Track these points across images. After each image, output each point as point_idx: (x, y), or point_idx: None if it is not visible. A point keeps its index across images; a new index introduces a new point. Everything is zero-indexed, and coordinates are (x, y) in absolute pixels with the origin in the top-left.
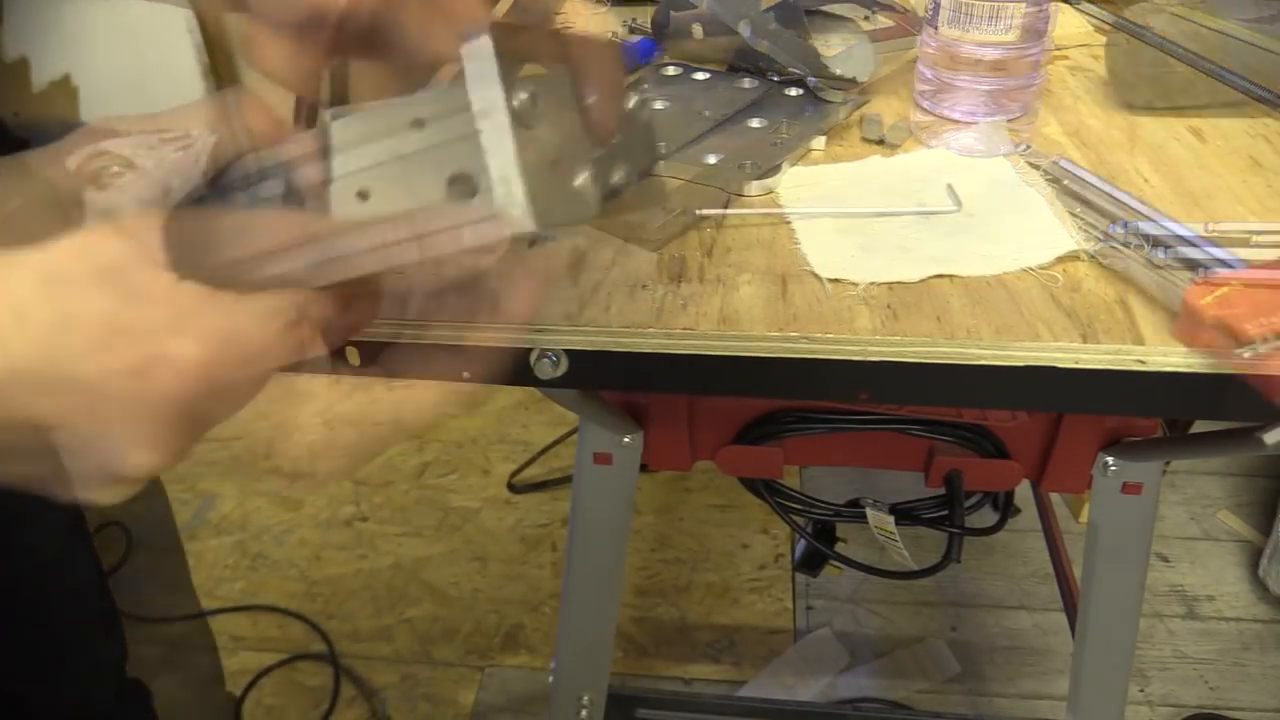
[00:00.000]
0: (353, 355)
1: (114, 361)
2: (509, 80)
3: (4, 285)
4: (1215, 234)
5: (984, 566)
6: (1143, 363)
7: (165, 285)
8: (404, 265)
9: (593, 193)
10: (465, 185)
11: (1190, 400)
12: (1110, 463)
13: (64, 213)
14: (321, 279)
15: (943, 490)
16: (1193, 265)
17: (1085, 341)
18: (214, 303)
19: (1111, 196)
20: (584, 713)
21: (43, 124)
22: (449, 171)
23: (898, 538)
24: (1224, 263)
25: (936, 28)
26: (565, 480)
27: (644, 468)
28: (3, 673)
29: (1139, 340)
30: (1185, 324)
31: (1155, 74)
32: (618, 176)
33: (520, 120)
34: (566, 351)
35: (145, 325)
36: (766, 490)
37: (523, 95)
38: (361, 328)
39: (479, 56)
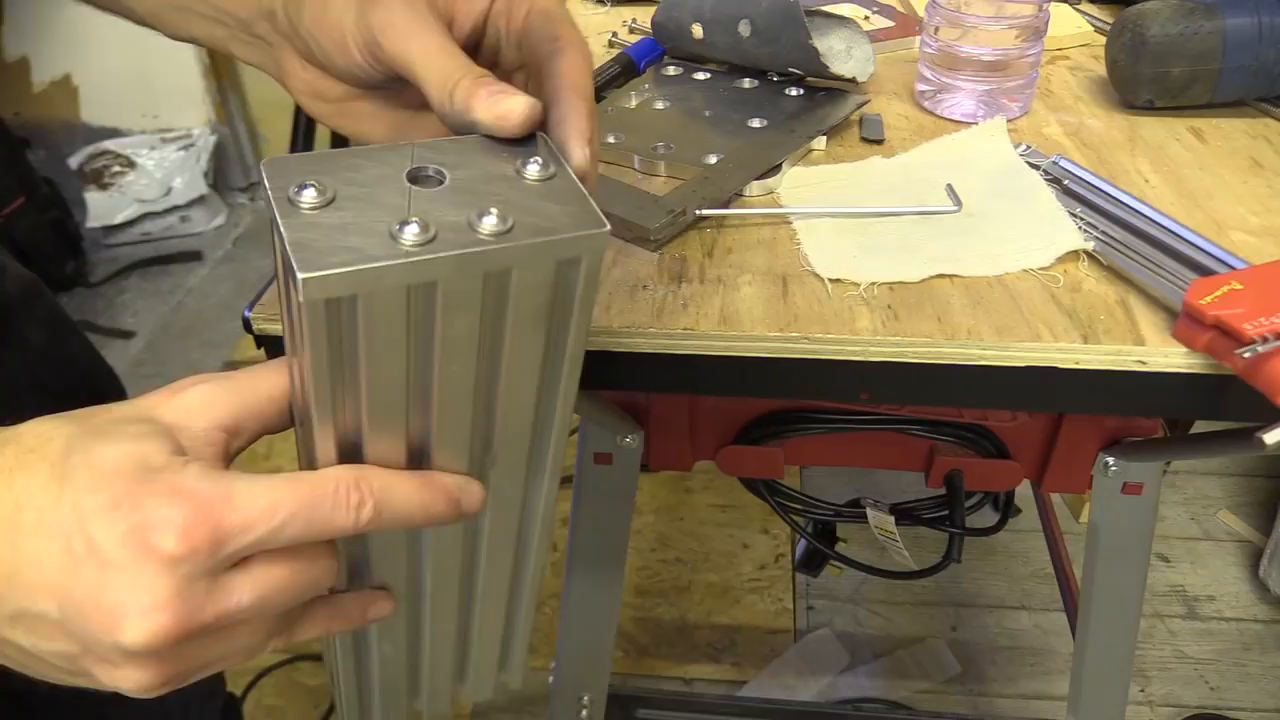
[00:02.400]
0: None
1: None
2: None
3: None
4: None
5: (984, 566)
6: (1143, 363)
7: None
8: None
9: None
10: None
11: (1190, 400)
12: (1110, 463)
13: None
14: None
15: (943, 490)
16: (1193, 265)
17: (1086, 342)
18: None
19: (1111, 196)
20: (584, 713)
21: (43, 124)
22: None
23: (898, 538)
24: (1224, 263)
25: (936, 28)
26: (565, 480)
27: (644, 468)
28: (3, 671)
29: (1139, 340)
30: (1185, 324)
31: (1155, 74)
32: None
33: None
34: None
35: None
36: (767, 490)
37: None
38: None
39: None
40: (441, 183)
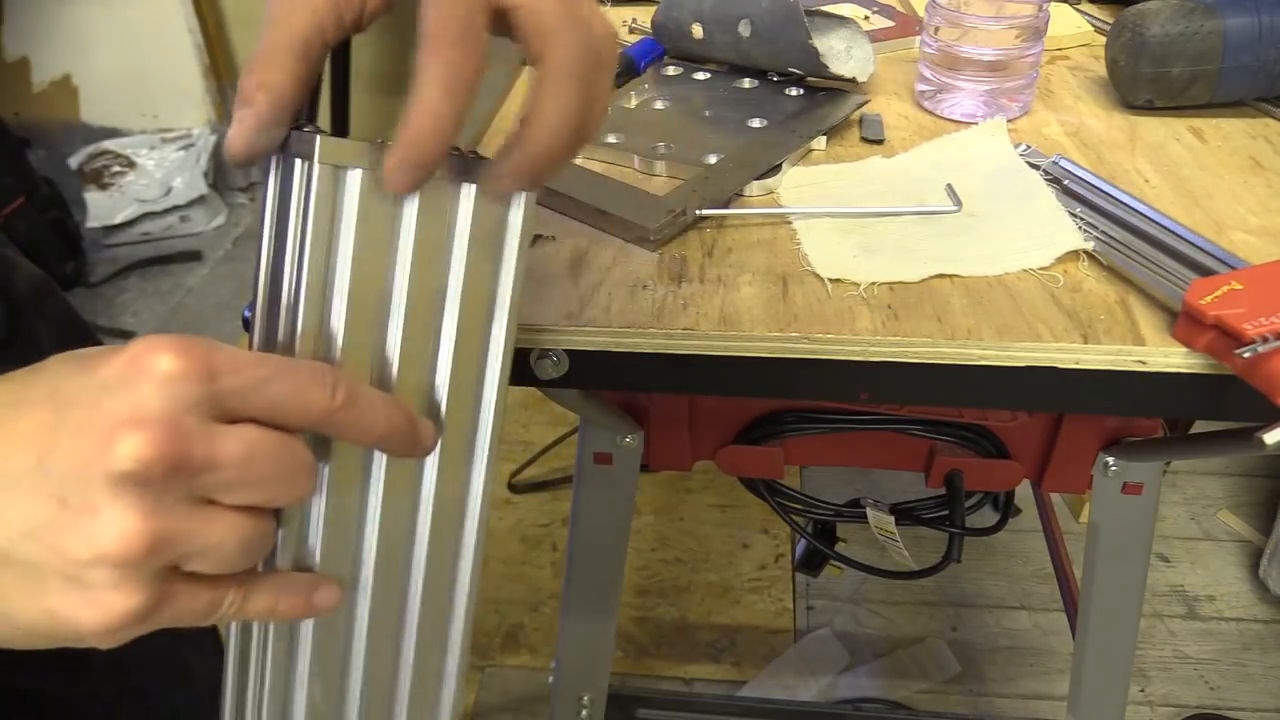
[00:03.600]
0: None
1: None
2: None
3: None
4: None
5: (984, 566)
6: (1143, 363)
7: None
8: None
9: None
10: None
11: (1190, 400)
12: (1110, 463)
13: None
14: None
15: (943, 490)
16: (1193, 265)
17: (1086, 342)
18: None
19: (1111, 196)
20: (584, 713)
21: (43, 124)
22: None
23: (898, 538)
24: (1224, 263)
25: (936, 28)
26: (565, 480)
27: (644, 468)
28: (10, 669)
29: (1139, 341)
30: (1185, 324)
31: (1155, 74)
32: None
33: None
34: (567, 351)
35: None
36: (767, 490)
37: None
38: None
39: None
40: None
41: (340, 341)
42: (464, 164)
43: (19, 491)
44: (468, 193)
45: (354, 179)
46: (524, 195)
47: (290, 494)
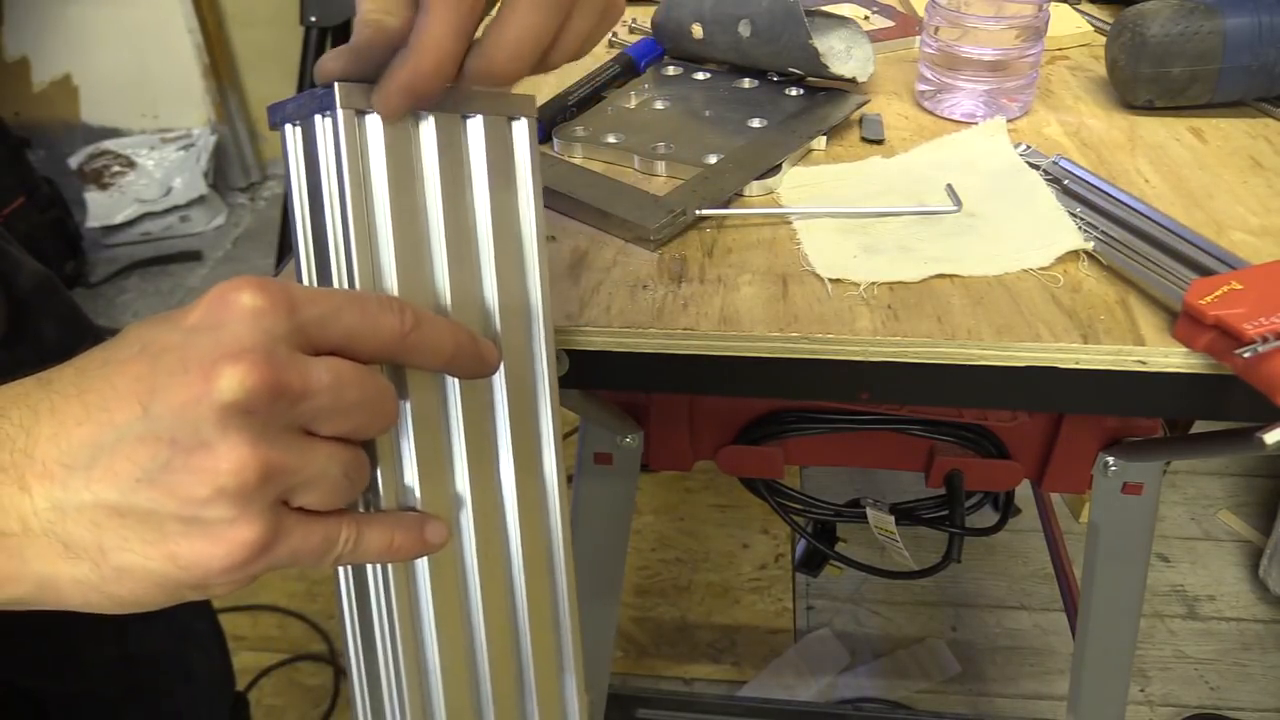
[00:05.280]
0: None
1: None
2: None
3: None
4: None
5: (984, 566)
6: (1143, 363)
7: None
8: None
9: None
10: None
11: (1190, 400)
12: (1111, 463)
13: None
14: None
15: (943, 490)
16: (1193, 265)
17: (1086, 342)
18: None
19: (1111, 196)
20: None
21: (43, 124)
22: None
23: (898, 538)
24: (1224, 263)
25: (936, 28)
26: (565, 480)
27: (644, 468)
28: (15, 669)
29: (1139, 341)
30: (1185, 324)
31: (1155, 74)
32: None
33: None
34: (567, 351)
35: None
36: (767, 490)
37: None
38: None
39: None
40: None
41: (395, 280)
42: (468, 95)
43: (128, 442)
44: (475, 125)
45: (375, 123)
46: (524, 121)
47: (379, 422)
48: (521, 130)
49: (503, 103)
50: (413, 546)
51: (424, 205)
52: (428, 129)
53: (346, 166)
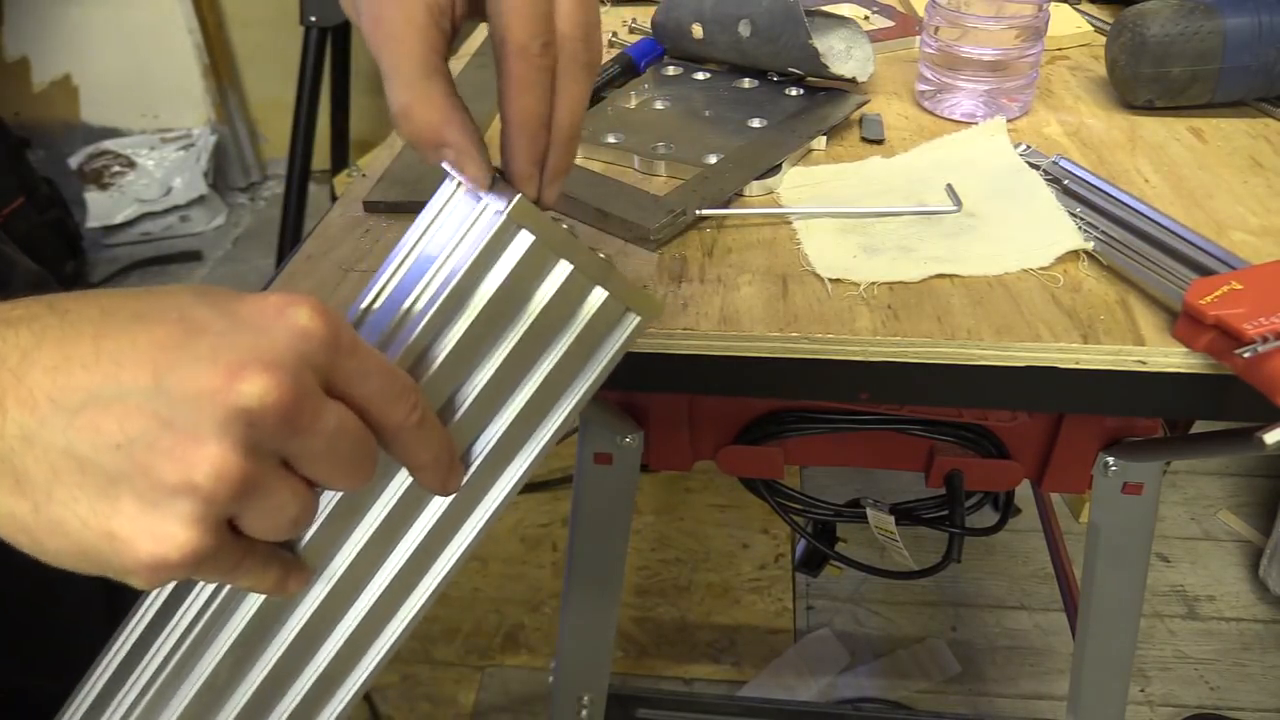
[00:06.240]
0: None
1: None
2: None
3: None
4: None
5: (984, 566)
6: (1143, 363)
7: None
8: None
9: None
10: None
11: (1190, 400)
12: (1111, 463)
13: None
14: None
15: (943, 490)
16: (1193, 265)
17: (1086, 342)
18: None
19: (1111, 196)
20: (584, 713)
21: (43, 124)
22: None
23: (898, 538)
24: (1224, 263)
25: (936, 28)
26: (565, 480)
27: (644, 468)
28: (7, 668)
29: (1139, 341)
30: (1185, 324)
31: (1155, 74)
32: None
33: None
34: None
35: None
36: (767, 490)
37: None
38: None
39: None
40: None
41: (433, 370)
42: (608, 271)
43: (125, 406)
44: (597, 295)
45: (523, 240)
46: (638, 320)
47: (351, 483)
48: (630, 325)
49: (637, 295)
50: (269, 585)
51: (502, 332)
52: (560, 272)
53: (472, 262)
